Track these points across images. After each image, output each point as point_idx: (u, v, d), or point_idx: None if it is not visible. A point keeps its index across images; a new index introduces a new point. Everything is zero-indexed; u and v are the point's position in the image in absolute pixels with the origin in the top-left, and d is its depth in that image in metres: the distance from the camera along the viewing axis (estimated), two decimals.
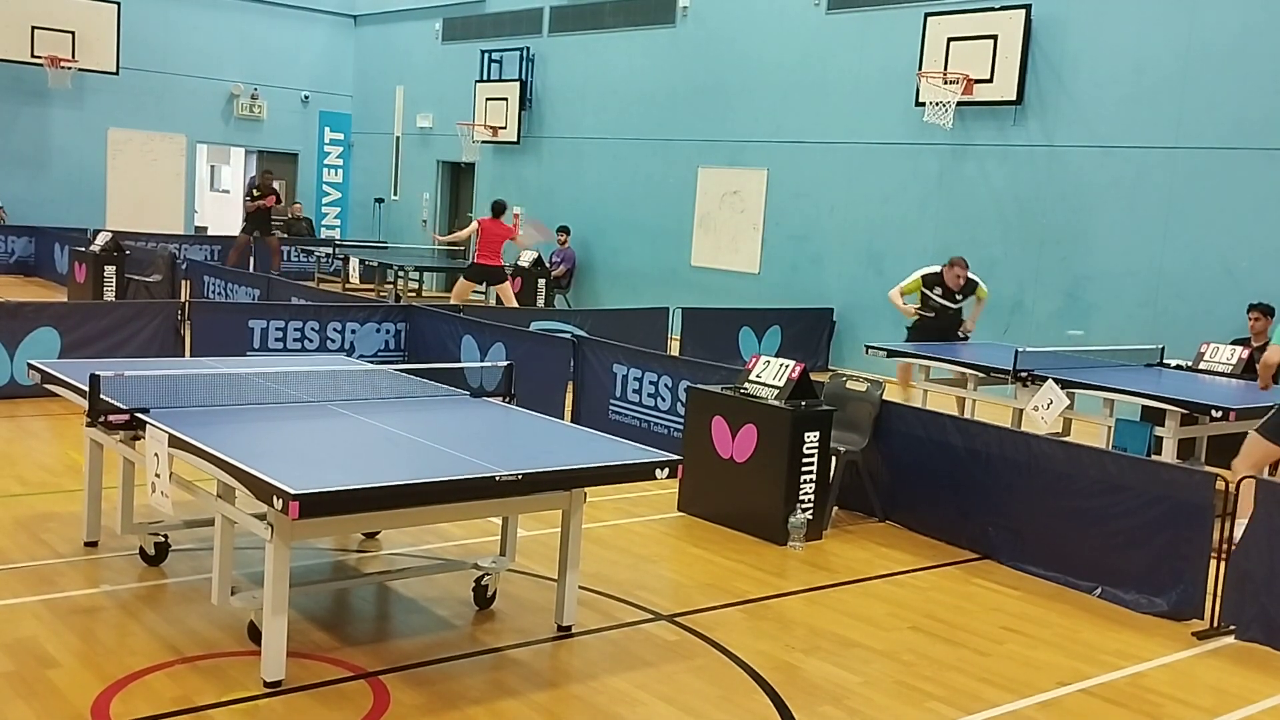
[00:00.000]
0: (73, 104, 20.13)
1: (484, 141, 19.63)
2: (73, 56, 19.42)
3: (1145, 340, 10.74)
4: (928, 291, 10.77)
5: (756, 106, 15.60)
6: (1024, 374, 8.95)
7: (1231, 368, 9.74)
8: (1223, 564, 5.85)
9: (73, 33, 19.42)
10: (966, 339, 11.01)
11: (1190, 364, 9.87)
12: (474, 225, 14.92)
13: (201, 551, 5.87)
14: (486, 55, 19.68)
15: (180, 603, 5.29)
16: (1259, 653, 5.63)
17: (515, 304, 14.53)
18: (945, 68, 13.02)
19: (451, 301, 14.46)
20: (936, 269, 10.84)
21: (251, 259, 18.69)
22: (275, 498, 4.06)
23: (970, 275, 10.80)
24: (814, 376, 7.26)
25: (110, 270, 14.28)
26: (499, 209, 14.86)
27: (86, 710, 4.18)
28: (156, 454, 4.83)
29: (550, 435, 5.58)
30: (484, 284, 15.15)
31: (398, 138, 22.17)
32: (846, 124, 14.51)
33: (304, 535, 4.63)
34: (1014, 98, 12.67)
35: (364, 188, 22.99)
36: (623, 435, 6.52)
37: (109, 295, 14.10)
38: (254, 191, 19.16)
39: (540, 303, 16.23)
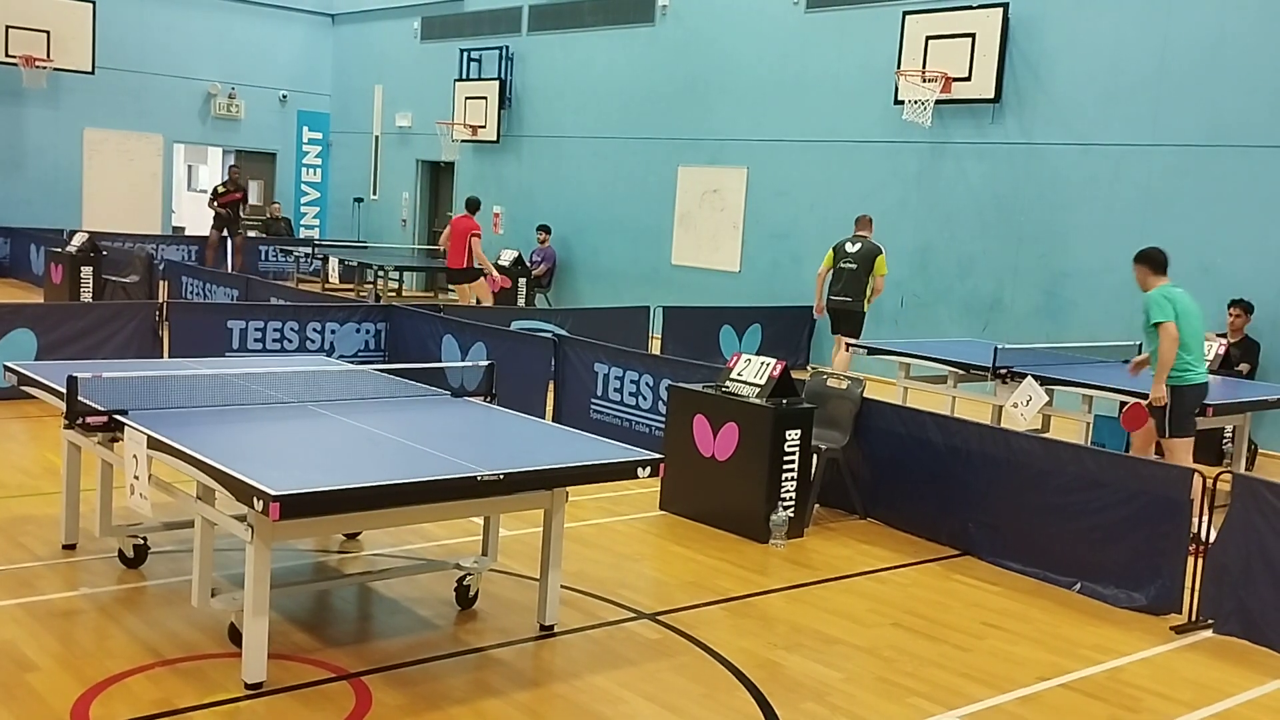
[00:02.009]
0: (48, 104, 19.97)
1: (463, 140, 19.58)
2: (48, 56, 19.25)
3: (1123, 337, 10.80)
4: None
5: (736, 105, 15.61)
6: (1003, 371, 9.00)
7: (1209, 363, 9.81)
8: (1200, 559, 5.90)
9: (48, 32, 19.25)
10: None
11: None
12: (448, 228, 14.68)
13: (181, 553, 5.84)
14: (465, 54, 19.63)
15: (160, 605, 5.27)
16: (1237, 646, 5.68)
17: (489, 301, 14.37)
18: (924, 66, 13.07)
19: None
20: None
21: (215, 255, 18.63)
22: (255, 499, 4.04)
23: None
24: (795, 374, 7.29)
25: (87, 271, 14.18)
26: (470, 205, 14.59)
27: (66, 713, 4.15)
28: (135, 456, 4.81)
29: (532, 435, 5.58)
30: (460, 285, 14.74)
31: (376, 137, 22.09)
32: (826, 122, 14.54)
33: (285, 536, 4.61)
34: (992, 96, 12.72)
35: (343, 187, 22.90)
36: (604, 434, 6.52)
37: (86, 296, 14.00)
38: (219, 189, 19.12)
39: (521, 302, 16.22)
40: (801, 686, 4.88)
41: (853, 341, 11.05)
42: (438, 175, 21.33)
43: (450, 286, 14.81)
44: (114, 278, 14.52)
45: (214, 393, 5.74)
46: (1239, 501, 5.78)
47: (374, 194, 22.25)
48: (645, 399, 8.78)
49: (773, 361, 7.08)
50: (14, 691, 4.31)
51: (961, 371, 9.49)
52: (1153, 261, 7.42)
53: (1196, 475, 6.04)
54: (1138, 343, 10.21)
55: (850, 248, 11.65)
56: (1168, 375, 7.27)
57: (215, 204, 19.00)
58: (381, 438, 5.14)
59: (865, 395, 7.53)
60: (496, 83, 18.89)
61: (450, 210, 20.55)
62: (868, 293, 11.50)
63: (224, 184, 19.29)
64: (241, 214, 19.31)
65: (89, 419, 5.16)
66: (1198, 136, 11.34)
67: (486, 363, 6.37)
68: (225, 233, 18.93)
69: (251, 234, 21.69)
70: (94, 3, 19.66)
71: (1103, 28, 12.05)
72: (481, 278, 14.56)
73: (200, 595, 4.69)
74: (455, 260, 14.30)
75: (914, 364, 9.99)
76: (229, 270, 17.69)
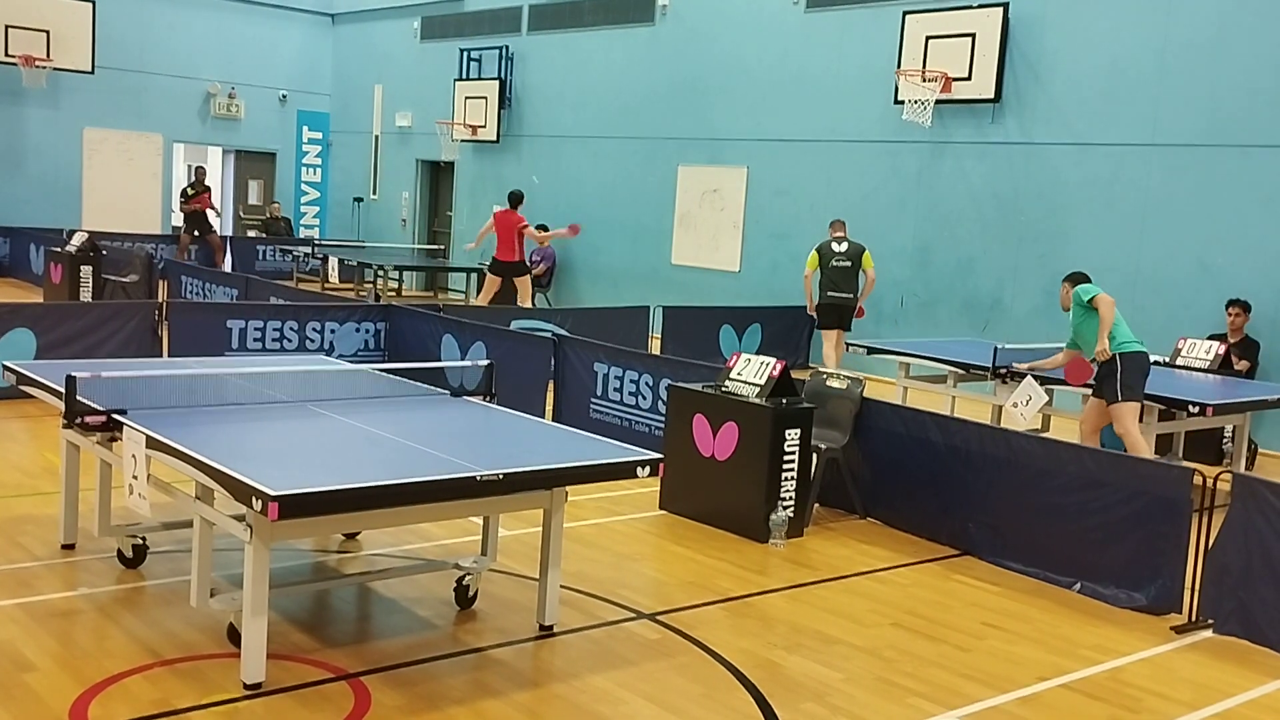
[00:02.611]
0: (48, 103, 19.96)
1: (463, 140, 19.58)
2: (47, 55, 19.24)
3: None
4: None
5: (736, 105, 15.61)
6: (1003, 371, 9.00)
7: (1208, 363, 9.82)
8: (1200, 558, 5.89)
9: (47, 31, 19.24)
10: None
11: (1167, 360, 9.94)
12: (490, 220, 14.72)
13: (180, 553, 5.83)
14: (465, 54, 19.62)
15: (159, 605, 5.26)
16: (1237, 646, 5.67)
17: (528, 303, 14.41)
18: (924, 66, 13.06)
19: (478, 301, 14.34)
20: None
21: (185, 255, 18.64)
22: (254, 499, 4.04)
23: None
24: (794, 374, 7.28)
25: (86, 270, 14.17)
26: (512, 199, 14.65)
27: (64, 714, 4.15)
28: (134, 455, 4.80)
29: (531, 434, 5.57)
30: (504, 279, 14.62)
31: (376, 137, 22.09)
32: (826, 122, 14.53)
33: (284, 536, 4.60)
34: (992, 95, 12.71)
35: (343, 187, 22.90)
36: (604, 434, 6.51)
37: (85, 296, 13.99)
38: (187, 191, 19.10)
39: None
40: (801, 687, 4.87)
41: (853, 342, 11.12)
42: (438, 175, 21.32)
43: (500, 276, 14.62)
44: (113, 277, 14.51)
45: (213, 392, 5.73)
46: (1239, 501, 5.78)
47: (374, 194, 22.25)
48: (645, 399, 8.78)
49: (772, 361, 7.07)
50: (12, 692, 4.30)
51: (961, 371, 9.48)
52: (1077, 283, 8.22)
53: (1196, 474, 6.04)
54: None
55: (838, 248, 12.07)
56: (1112, 346, 7.84)
57: (184, 207, 18.97)
58: (381, 438, 5.13)
59: (865, 395, 7.52)
60: (496, 82, 18.89)
61: (450, 210, 20.58)
62: (861, 287, 12.08)
63: (191, 185, 19.30)
64: (209, 212, 19.18)
65: (88, 419, 5.15)
66: (1198, 136, 11.34)
67: (486, 362, 6.37)
68: (198, 233, 18.92)
69: (251, 233, 21.72)
70: (94, 2, 19.65)
71: (1103, 28, 12.04)
72: (528, 274, 14.69)
73: (199, 595, 4.68)
74: (505, 254, 14.40)
75: (914, 364, 10.00)
76: (226, 269, 17.69)
